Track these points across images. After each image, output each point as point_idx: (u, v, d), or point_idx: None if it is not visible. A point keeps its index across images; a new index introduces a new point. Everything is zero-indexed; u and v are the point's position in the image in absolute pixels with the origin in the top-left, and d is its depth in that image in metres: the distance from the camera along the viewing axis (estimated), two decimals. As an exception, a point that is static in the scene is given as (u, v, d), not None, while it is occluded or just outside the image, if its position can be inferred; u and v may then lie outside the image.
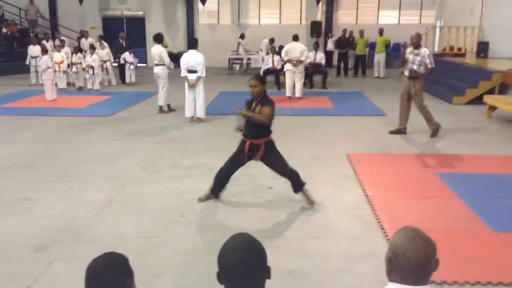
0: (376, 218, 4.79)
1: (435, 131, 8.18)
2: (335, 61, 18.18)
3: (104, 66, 14.75)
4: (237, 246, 1.60)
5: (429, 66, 7.86)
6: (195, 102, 9.37)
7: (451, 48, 15.35)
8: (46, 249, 4.14)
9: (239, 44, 18.56)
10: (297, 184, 5.07)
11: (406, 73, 8.12)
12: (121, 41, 15.23)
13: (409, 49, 8.15)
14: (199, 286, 3.62)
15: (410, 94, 8.10)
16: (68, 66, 13.93)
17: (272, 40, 16.40)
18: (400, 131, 8.35)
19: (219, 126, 9.06)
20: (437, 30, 16.63)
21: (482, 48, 14.38)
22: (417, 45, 7.94)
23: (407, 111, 8.34)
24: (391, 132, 8.39)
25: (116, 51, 15.16)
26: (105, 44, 15.17)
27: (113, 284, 1.57)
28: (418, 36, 8.01)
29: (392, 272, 1.70)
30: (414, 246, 1.65)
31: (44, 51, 12.31)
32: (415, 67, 7.87)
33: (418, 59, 7.83)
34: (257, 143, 4.91)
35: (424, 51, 7.88)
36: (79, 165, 6.62)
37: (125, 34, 16.61)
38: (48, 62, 11.88)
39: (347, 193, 5.53)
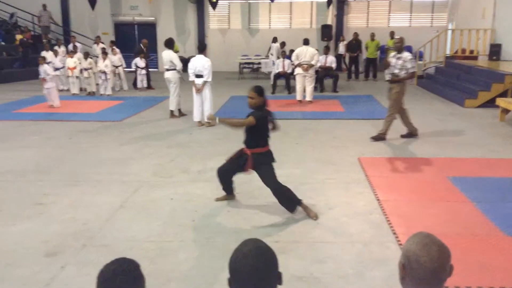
0: (388, 223, 4.76)
1: (381, 135, 8.17)
2: (347, 64, 18.12)
3: (116, 71, 14.85)
4: (248, 252, 1.59)
5: (410, 70, 7.89)
6: (203, 106, 9.42)
7: (463, 50, 15.22)
8: (58, 254, 4.17)
9: (270, 48, 18.27)
10: (289, 204, 4.92)
11: (387, 77, 8.17)
12: (143, 48, 15.20)
13: (392, 53, 8.18)
14: (209, 291, 3.62)
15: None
16: (81, 71, 14.04)
17: (283, 44, 16.38)
18: (411, 134, 8.32)
19: (228, 130, 9.03)
20: (449, 32, 16.53)
21: (495, 51, 14.24)
22: (400, 49, 7.97)
23: (406, 115, 8.32)
24: (403, 136, 8.36)
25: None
26: (117, 49, 15.27)
27: (125, 290, 1.57)
28: (401, 41, 8.05)
29: (406, 279, 1.69)
30: (428, 252, 1.63)
31: (43, 59, 12.01)
32: (396, 71, 7.90)
33: (400, 63, 7.86)
34: (246, 153, 4.91)
35: (406, 55, 7.90)
36: (90, 169, 6.67)
37: (136, 39, 16.64)
38: (49, 70, 11.72)
39: (358, 197, 5.49)
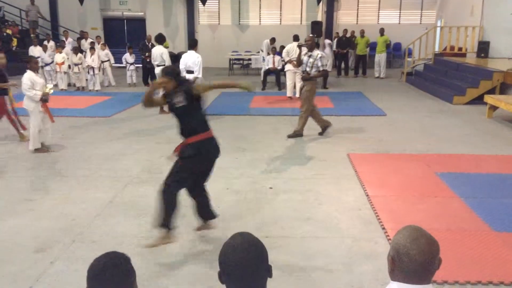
0: (377, 218, 4.79)
1: (295, 133, 8.20)
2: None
3: (102, 67, 14.75)
4: (238, 245, 1.60)
5: (321, 68, 7.94)
6: None
7: (452, 48, 15.32)
8: (47, 250, 4.15)
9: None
10: (162, 218, 4.10)
11: (301, 74, 8.22)
12: (147, 43, 15.02)
13: (304, 51, 8.22)
14: (200, 286, 3.62)
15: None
16: (69, 67, 13.93)
17: (273, 40, 16.37)
18: (326, 128, 8.41)
19: (217, 127, 9.02)
20: (438, 30, 16.63)
21: (483, 48, 14.35)
22: (311, 47, 8.02)
23: (316, 112, 8.33)
24: (321, 133, 8.37)
25: (143, 53, 14.85)
26: (105, 45, 15.17)
27: (115, 284, 1.57)
28: (312, 39, 8.13)
29: (395, 271, 1.70)
30: (417, 245, 1.64)
31: None
32: (308, 69, 7.96)
33: (310, 61, 7.92)
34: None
35: (317, 53, 7.98)
36: (80, 165, 6.63)
37: (125, 34, 16.54)
38: None
39: (348, 193, 5.52)
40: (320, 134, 8.38)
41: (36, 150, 7.14)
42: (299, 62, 8.25)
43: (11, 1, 19.69)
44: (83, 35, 17.12)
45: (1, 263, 3.92)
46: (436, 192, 5.50)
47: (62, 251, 4.13)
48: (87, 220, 4.77)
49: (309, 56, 7.98)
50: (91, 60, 13.58)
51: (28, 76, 7.03)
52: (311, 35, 8.19)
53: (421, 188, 5.65)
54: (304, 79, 8.11)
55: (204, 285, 3.61)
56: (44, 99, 7.10)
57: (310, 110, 8.16)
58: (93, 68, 13.61)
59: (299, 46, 8.29)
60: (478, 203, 5.14)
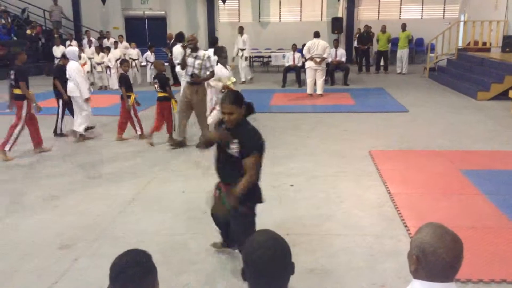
0: (399, 215, 4.74)
1: (201, 143, 7.66)
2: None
3: (133, 65, 14.95)
4: (264, 242, 1.60)
5: (210, 69, 7.31)
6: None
7: (476, 42, 15.03)
8: (71, 246, 4.22)
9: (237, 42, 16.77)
10: None
11: (187, 78, 7.39)
12: (168, 41, 15.10)
13: (188, 52, 7.35)
14: (221, 283, 3.63)
15: (191, 101, 7.34)
16: (94, 67, 14.22)
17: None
18: (181, 144, 7.57)
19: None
20: (461, 24, 16.35)
21: (508, 43, 14.03)
22: (194, 48, 7.29)
23: (187, 121, 7.59)
24: (172, 146, 7.58)
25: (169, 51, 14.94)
26: (135, 45, 15.44)
27: (137, 281, 1.59)
28: (194, 39, 7.41)
29: (419, 271, 1.67)
30: (443, 243, 1.61)
31: None
32: (196, 71, 7.22)
33: (198, 62, 7.19)
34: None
35: (204, 54, 7.32)
36: (103, 163, 6.72)
37: (147, 33, 16.70)
38: None
39: (369, 190, 5.48)
40: (172, 144, 7.56)
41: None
42: (183, 64, 7.35)
43: (35, 2, 20.04)
44: (104, 35, 17.35)
45: (27, 259, 4.01)
46: (459, 189, 5.42)
47: (86, 247, 4.19)
48: (110, 217, 4.84)
49: (195, 57, 7.21)
50: (108, 59, 13.86)
51: (218, 68, 7.53)
52: (193, 34, 7.55)
53: (445, 185, 5.57)
54: (194, 82, 7.28)
55: (226, 282, 3.62)
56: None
57: (206, 110, 7.66)
58: (109, 67, 13.89)
59: (183, 47, 7.48)
60: (503, 200, 5.05)
